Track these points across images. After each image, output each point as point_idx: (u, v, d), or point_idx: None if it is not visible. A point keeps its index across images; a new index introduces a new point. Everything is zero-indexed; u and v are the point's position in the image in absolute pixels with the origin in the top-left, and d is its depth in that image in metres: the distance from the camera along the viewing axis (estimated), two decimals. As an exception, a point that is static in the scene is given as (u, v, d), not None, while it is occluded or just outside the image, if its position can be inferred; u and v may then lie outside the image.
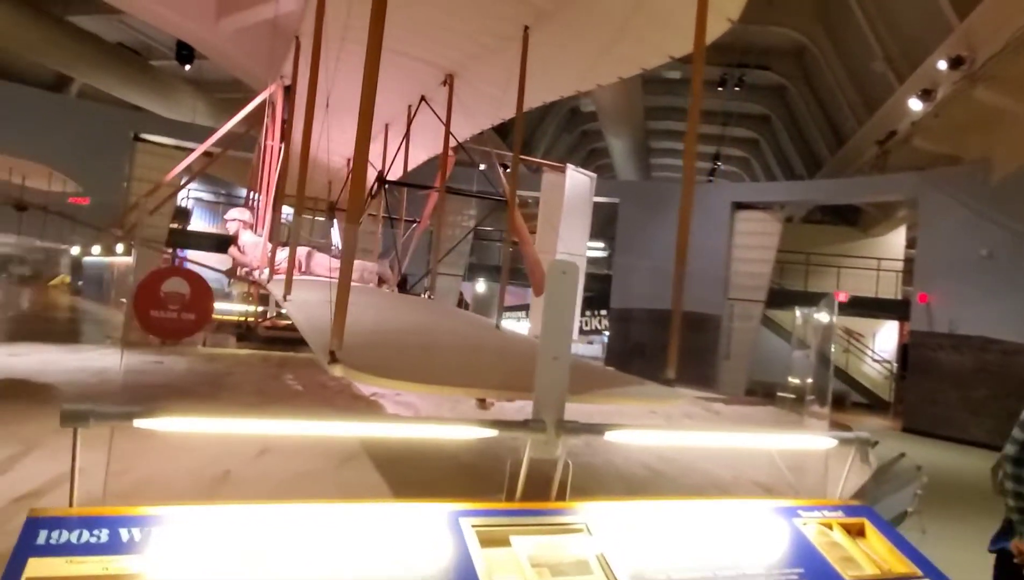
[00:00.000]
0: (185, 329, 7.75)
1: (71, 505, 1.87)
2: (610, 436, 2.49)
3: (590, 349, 29.37)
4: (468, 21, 5.58)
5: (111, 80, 21.62)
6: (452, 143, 9.44)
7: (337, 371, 2.50)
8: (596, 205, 21.88)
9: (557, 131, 29.93)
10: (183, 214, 22.55)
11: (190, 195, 23.12)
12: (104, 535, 1.79)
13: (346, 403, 7.89)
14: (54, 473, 4.06)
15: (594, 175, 11.04)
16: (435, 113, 8.08)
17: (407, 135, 8.26)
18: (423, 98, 7.98)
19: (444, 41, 6.18)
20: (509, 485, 2.40)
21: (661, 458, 6.99)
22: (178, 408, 1.90)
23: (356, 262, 9.05)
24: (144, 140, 18.82)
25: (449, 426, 2.34)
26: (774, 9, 19.11)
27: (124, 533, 1.80)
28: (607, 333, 23.23)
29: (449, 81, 7.18)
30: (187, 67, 21.60)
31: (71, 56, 20.50)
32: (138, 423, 1.87)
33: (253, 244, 8.38)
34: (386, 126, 9.60)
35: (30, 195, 10.20)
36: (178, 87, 23.04)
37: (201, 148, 8.14)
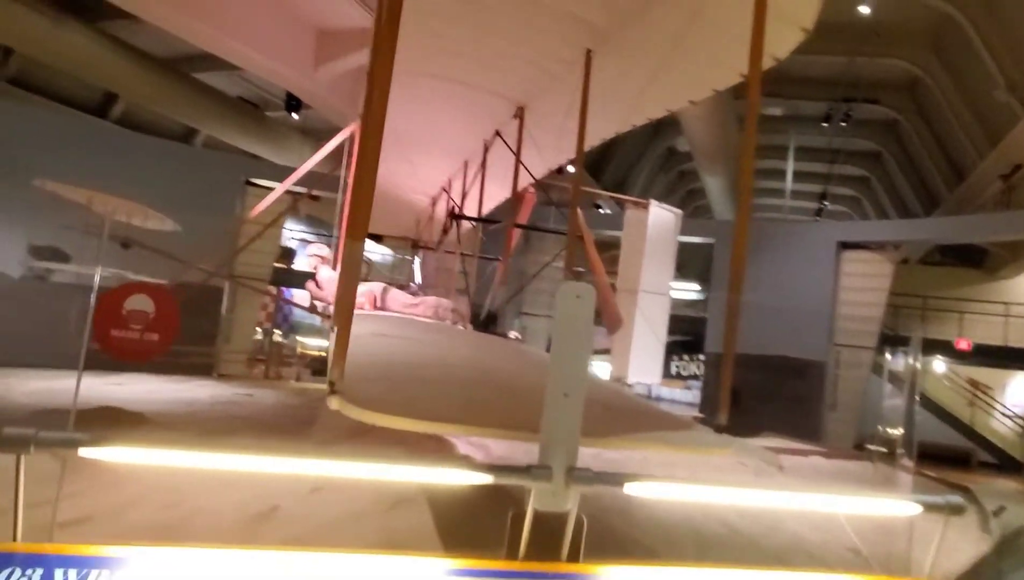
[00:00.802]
0: (147, 350, 7.18)
1: (15, 539, 1.73)
2: (629, 488, 2.16)
3: (686, 395, 28.28)
4: (531, 46, 5.46)
5: (231, 131, 23.24)
6: (528, 178, 9.34)
7: (333, 404, 2.32)
8: (694, 246, 21.38)
9: (653, 171, 29.49)
10: (287, 254, 23.56)
11: (294, 235, 24.16)
12: (37, 576, 1.63)
13: (417, 441, 7.75)
14: (99, 506, 4.04)
15: (679, 212, 10.63)
16: (508, 146, 7.99)
17: (483, 170, 8.19)
18: (497, 133, 7.90)
19: (511, 70, 6.08)
20: (510, 540, 2.10)
21: (743, 515, 6.38)
22: (126, 437, 1.75)
23: (431, 298, 9.02)
24: (254, 184, 19.88)
25: (439, 469, 2.08)
26: (881, 40, 18.16)
27: (59, 575, 1.64)
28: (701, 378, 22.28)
29: (520, 114, 7.06)
30: (295, 116, 22.85)
31: (197, 110, 22.21)
32: (83, 452, 1.73)
33: (330, 279, 8.48)
34: (464, 163, 9.61)
35: (134, 233, 10.96)
36: (288, 135, 24.42)
37: (281, 187, 8.37)
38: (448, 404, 2.42)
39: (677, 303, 32.61)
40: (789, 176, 24.57)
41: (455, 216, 8.10)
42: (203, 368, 16.59)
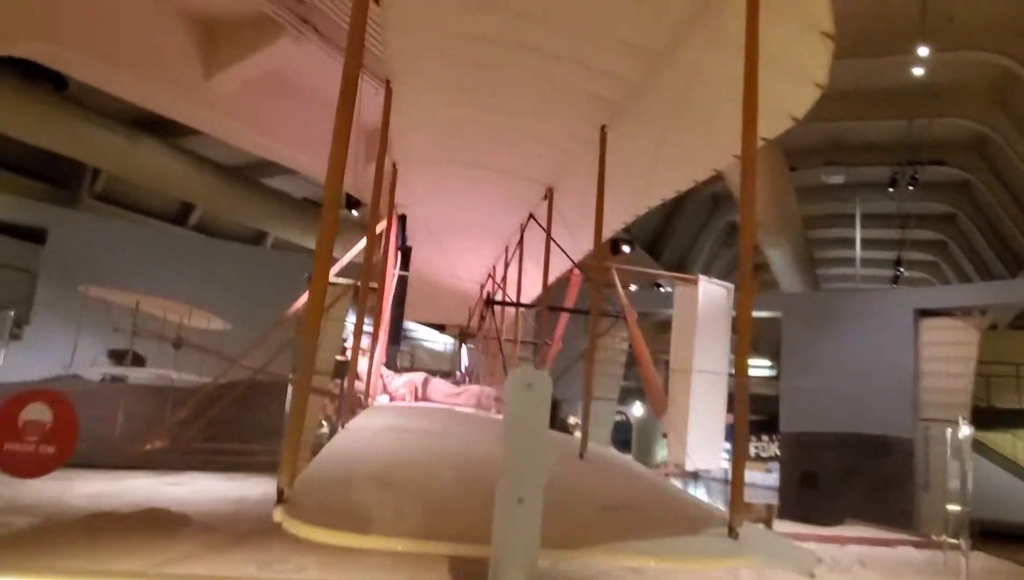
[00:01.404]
0: (42, 465, 6.66)
1: None
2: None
3: (767, 478, 26.66)
4: (549, 125, 5.39)
5: (298, 231, 24.31)
6: (564, 259, 9.18)
7: (276, 516, 2.06)
8: (766, 322, 20.61)
9: (716, 247, 28.99)
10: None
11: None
12: None
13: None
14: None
15: (730, 286, 10.21)
16: (541, 227, 7.90)
17: (520, 254, 8.08)
18: (531, 216, 7.83)
19: (534, 152, 6.03)
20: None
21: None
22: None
23: (474, 387, 8.80)
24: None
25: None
26: (940, 101, 17.63)
27: None
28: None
29: (549, 196, 6.98)
30: (354, 213, 23.64)
31: (266, 214, 23.41)
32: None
33: (365, 371, 8.41)
34: (505, 248, 9.55)
35: (185, 333, 11.37)
36: (350, 231, 25.24)
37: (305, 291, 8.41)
38: (413, 514, 2.16)
39: (752, 381, 31.28)
40: (858, 244, 23.67)
41: (490, 302, 7.99)
42: (267, 466, 16.64)
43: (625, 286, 16.38)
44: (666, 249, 25.10)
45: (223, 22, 10.01)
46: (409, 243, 9.60)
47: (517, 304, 8.48)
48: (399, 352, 9.56)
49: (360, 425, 4.35)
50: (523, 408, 1.93)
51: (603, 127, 5.10)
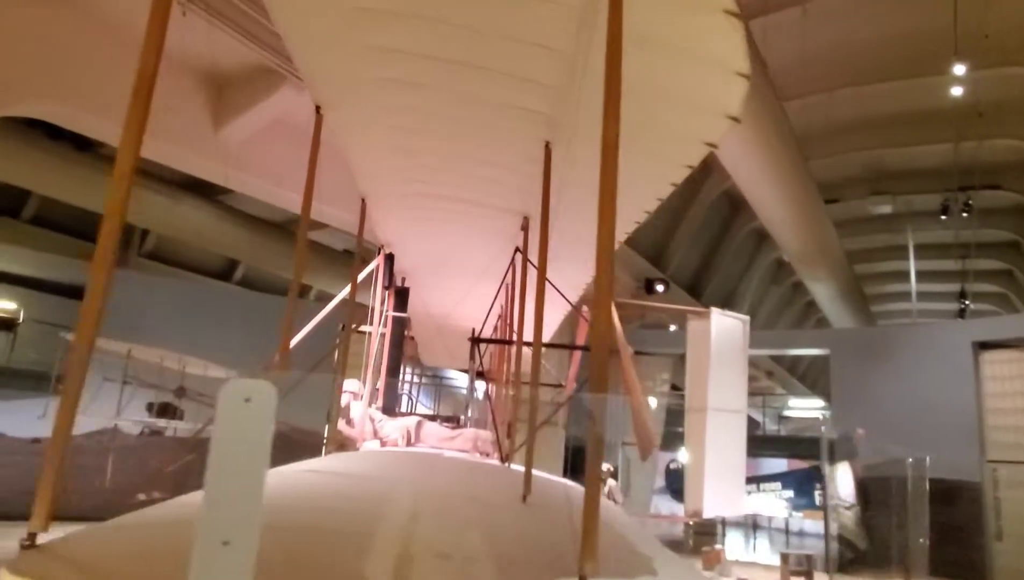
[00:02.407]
0: None
1: None
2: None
3: (834, 526, 24.99)
4: (496, 143, 5.15)
5: (339, 282, 24.57)
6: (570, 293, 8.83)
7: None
8: (816, 360, 19.59)
9: (763, 284, 28.05)
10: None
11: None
12: None
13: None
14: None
15: (746, 318, 9.66)
16: (530, 262, 7.59)
17: (510, 289, 7.78)
18: (517, 249, 7.55)
19: (496, 177, 5.77)
20: None
21: None
22: None
23: (469, 431, 8.44)
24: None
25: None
26: (987, 121, 16.74)
27: None
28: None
29: (526, 225, 6.69)
30: (390, 262, 23.80)
31: (307, 267, 23.81)
32: None
33: (362, 416, 8.17)
34: (506, 285, 9.26)
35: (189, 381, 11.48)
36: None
37: (313, 321, 8.25)
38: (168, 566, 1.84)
39: (811, 423, 29.76)
40: (912, 276, 22.49)
41: (474, 340, 7.69)
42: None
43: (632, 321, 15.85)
44: (708, 286, 24.36)
45: (228, 76, 10.25)
46: (407, 284, 9.44)
47: (502, 341, 8.14)
48: (399, 396, 9.32)
49: (293, 469, 4.08)
50: (236, 427, 1.57)
51: (547, 144, 4.82)
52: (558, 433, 18.84)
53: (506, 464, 6.64)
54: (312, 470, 4.08)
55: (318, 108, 4.68)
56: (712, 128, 4.17)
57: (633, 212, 5.79)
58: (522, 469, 8.18)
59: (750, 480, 37.28)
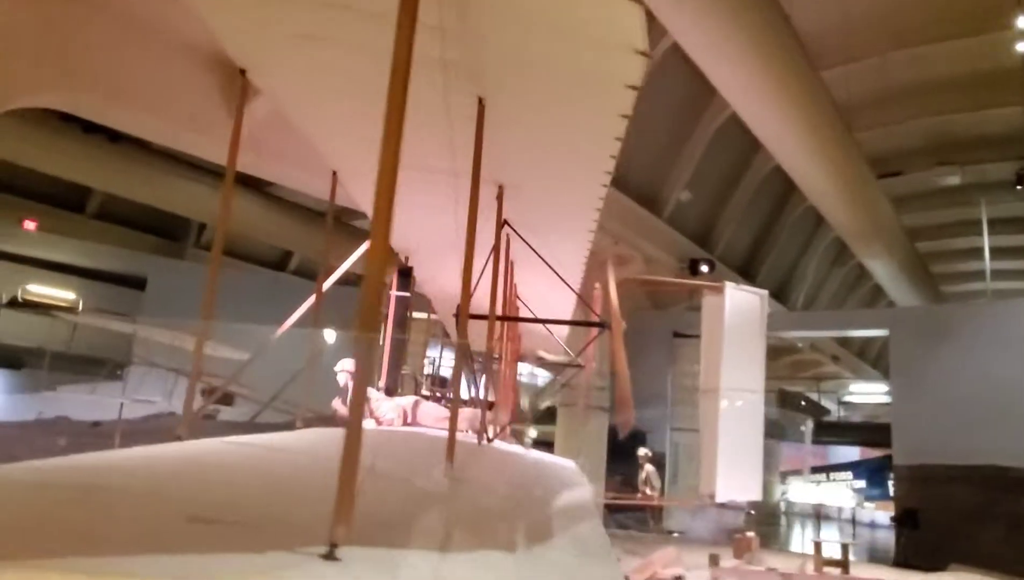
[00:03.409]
0: None
1: None
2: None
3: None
4: (440, 102, 4.90)
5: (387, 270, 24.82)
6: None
7: None
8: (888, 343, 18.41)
9: (824, 265, 26.74)
10: (440, 382, 23.83)
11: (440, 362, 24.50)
12: None
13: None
14: None
15: (764, 292, 9.10)
16: (520, 236, 7.36)
17: (506, 263, 7.49)
18: (506, 222, 7.29)
19: (457, 143, 5.52)
20: None
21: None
22: None
23: (467, 410, 8.25)
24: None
25: None
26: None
27: None
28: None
29: (500, 194, 6.43)
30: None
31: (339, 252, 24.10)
32: None
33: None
34: (511, 263, 9.01)
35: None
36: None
37: (304, 304, 8.19)
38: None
39: (880, 409, 28.25)
40: (986, 252, 20.92)
41: (458, 315, 7.42)
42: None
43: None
44: (761, 270, 23.40)
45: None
46: (411, 264, 9.31)
47: (483, 317, 7.85)
48: (403, 377, 9.19)
49: (228, 441, 4.01)
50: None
51: (480, 100, 4.56)
52: (601, 417, 18.48)
53: (486, 442, 6.43)
54: (242, 443, 3.98)
55: (243, 71, 4.56)
56: (626, 67, 3.81)
57: (590, 174, 5.45)
58: (506, 446, 7.96)
59: (820, 470, 36.07)
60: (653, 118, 16.81)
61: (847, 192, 14.34)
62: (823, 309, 25.99)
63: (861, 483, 33.44)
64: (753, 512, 29.74)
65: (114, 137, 15.61)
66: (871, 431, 21.65)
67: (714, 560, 9.66)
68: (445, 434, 7.46)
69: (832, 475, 34.70)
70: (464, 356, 7.70)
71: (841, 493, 30.96)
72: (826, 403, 31.46)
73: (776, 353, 29.90)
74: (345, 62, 4.56)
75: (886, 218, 16.55)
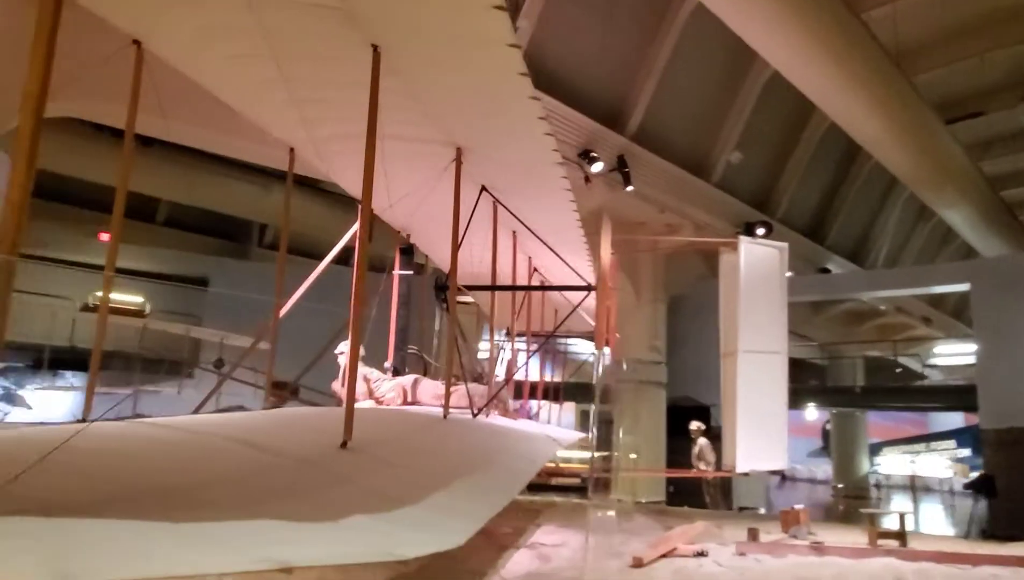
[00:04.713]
0: None
1: None
2: None
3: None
4: (317, 57, 4.67)
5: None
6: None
7: None
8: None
9: (906, 223, 24.93)
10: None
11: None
12: None
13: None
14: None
15: (783, 245, 8.41)
16: (497, 201, 7.09)
17: (453, 227, 7.03)
18: (483, 188, 7.01)
19: (401, 103, 5.27)
20: None
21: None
22: None
23: (463, 387, 8.02)
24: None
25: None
26: None
27: None
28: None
29: (458, 156, 6.15)
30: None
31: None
32: None
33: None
34: (512, 233, 8.69)
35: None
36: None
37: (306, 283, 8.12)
38: None
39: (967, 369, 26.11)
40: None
41: (439, 287, 7.19)
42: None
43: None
44: (830, 231, 22.01)
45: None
46: (412, 241, 9.15)
47: (469, 287, 7.59)
48: (409, 355, 9.07)
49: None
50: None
51: (375, 47, 4.29)
52: (659, 394, 17.87)
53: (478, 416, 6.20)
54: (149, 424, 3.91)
55: (136, 42, 4.46)
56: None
57: (524, 125, 5.11)
58: (500, 421, 7.68)
59: (918, 439, 33.92)
60: (693, 80, 16.01)
61: (903, 137, 13.14)
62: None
63: (965, 452, 31.19)
64: (841, 486, 28.29)
65: (147, 142, 16.03)
66: (959, 394, 19.96)
67: (752, 535, 9.06)
68: (418, 410, 7.31)
69: (932, 444, 32.54)
70: (454, 328, 7.49)
71: (941, 463, 28.95)
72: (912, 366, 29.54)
73: (858, 317, 28.17)
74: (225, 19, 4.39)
75: (955, 162, 15.10)
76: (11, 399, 18.17)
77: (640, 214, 16.58)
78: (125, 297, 18.80)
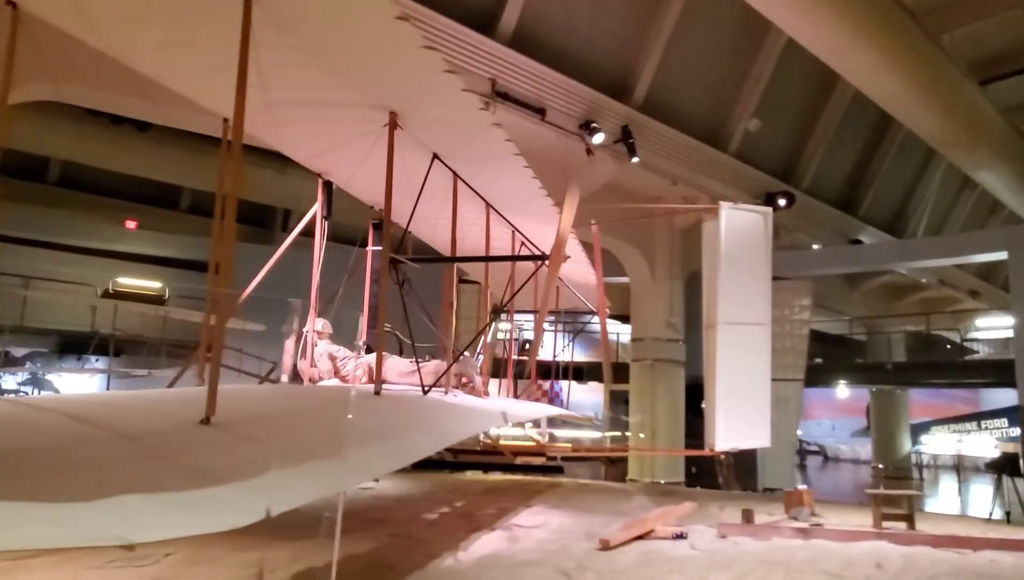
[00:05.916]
0: None
1: None
2: None
3: None
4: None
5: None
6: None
7: None
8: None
9: (949, 190, 23.62)
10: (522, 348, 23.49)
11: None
12: None
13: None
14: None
15: (767, 209, 7.89)
16: (452, 172, 6.81)
17: (387, 183, 6.65)
18: (435, 156, 6.70)
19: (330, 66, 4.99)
20: None
21: None
22: None
23: (431, 364, 7.77)
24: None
25: None
26: None
27: None
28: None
29: (393, 120, 5.83)
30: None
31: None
32: None
33: (320, 355, 7.81)
34: (487, 207, 8.36)
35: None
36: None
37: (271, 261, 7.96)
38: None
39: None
40: None
41: (394, 260, 6.87)
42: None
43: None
44: (864, 201, 20.98)
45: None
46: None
47: (423, 259, 7.26)
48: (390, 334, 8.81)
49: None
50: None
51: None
52: (677, 372, 17.35)
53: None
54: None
55: (11, 2, 4.27)
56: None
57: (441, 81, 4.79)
58: (450, 400, 7.39)
59: (968, 418, 32.50)
60: (704, 44, 15.30)
61: (925, 95, 12.27)
62: (950, 239, 23.01)
63: (1017, 430, 29.72)
64: (881, 466, 27.25)
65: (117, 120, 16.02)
66: (1000, 369, 18.92)
67: (747, 516, 8.63)
68: (346, 386, 7.09)
69: (983, 423, 31.13)
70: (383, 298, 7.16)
71: (988, 442, 27.64)
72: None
73: (898, 292, 26.96)
74: None
75: (987, 121, 14.09)
76: (38, 383, 18.72)
77: (652, 187, 16.01)
78: (144, 282, 19.14)
